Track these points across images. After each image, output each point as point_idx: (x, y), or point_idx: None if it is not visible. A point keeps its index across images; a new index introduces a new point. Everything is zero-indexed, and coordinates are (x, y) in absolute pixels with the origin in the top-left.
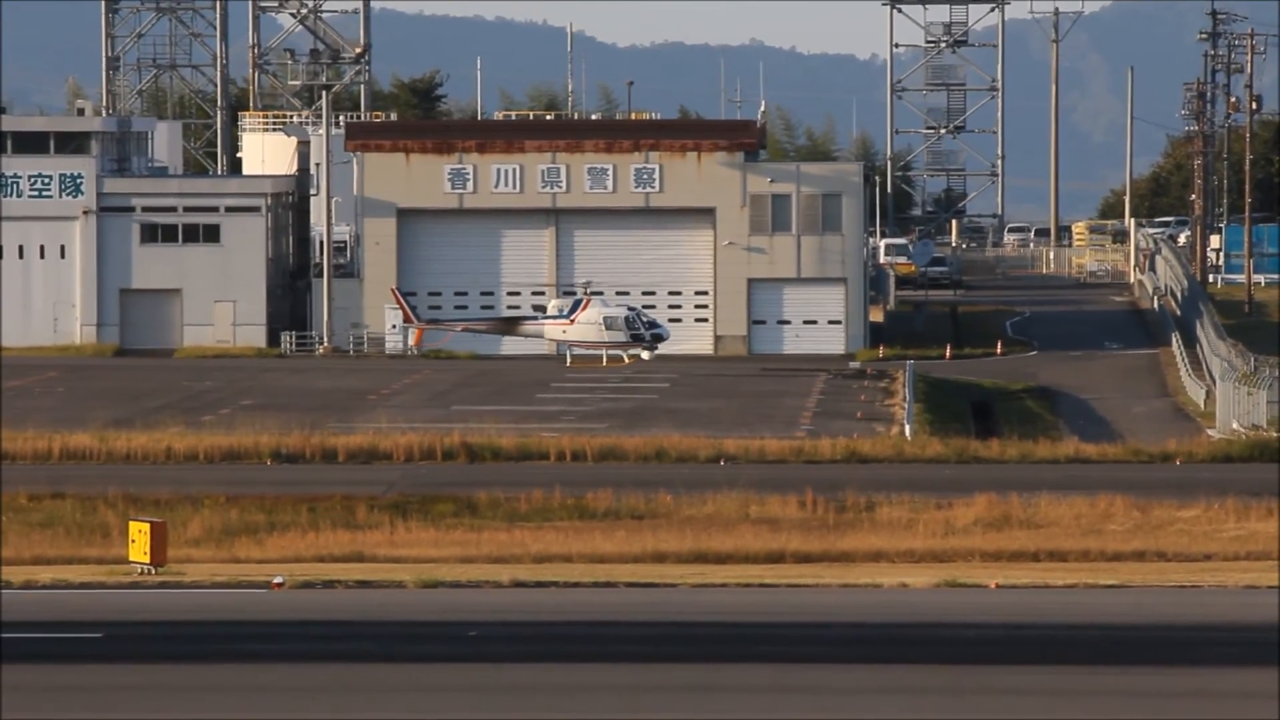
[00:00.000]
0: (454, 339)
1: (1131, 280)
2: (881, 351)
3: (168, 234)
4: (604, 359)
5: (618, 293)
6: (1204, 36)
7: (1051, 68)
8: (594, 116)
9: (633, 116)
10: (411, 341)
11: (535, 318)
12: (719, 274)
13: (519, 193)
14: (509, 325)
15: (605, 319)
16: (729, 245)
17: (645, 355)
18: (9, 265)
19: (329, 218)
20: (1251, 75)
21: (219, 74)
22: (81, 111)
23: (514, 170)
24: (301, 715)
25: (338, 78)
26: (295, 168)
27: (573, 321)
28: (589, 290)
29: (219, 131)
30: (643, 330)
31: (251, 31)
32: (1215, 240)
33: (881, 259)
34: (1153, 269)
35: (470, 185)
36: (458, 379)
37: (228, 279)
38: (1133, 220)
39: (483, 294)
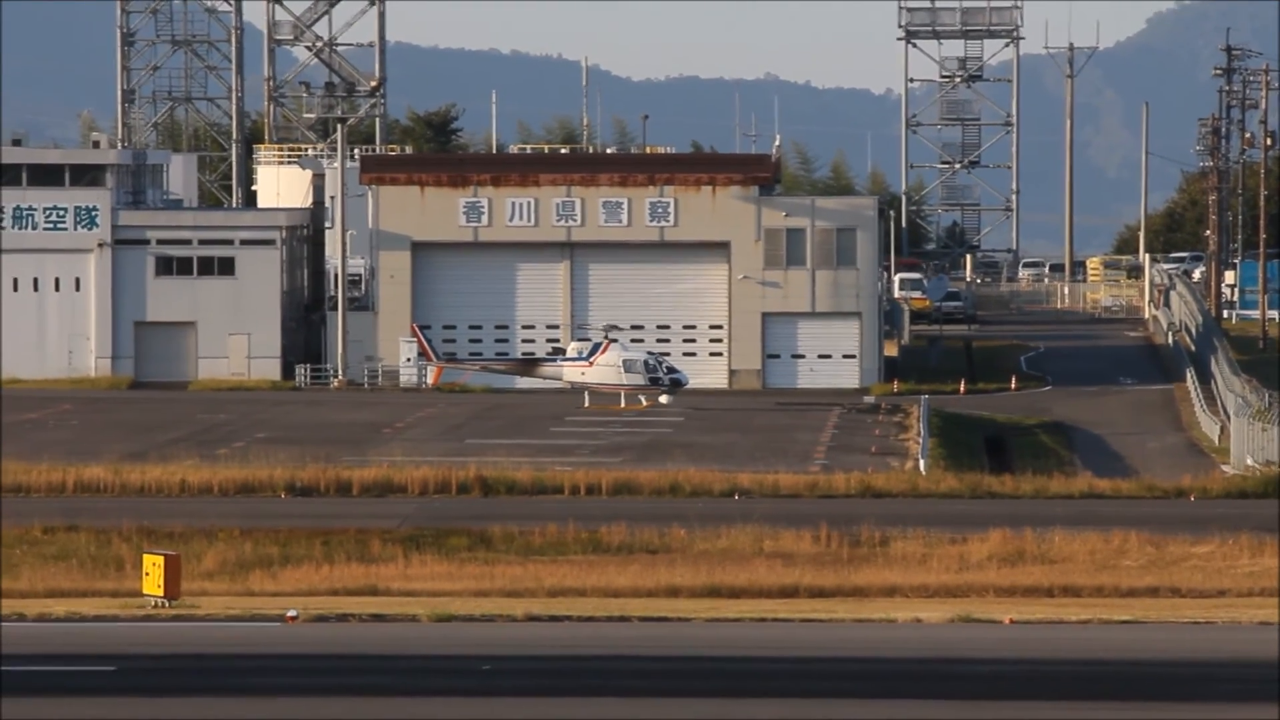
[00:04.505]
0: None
1: (1146, 315)
2: (896, 386)
3: (183, 266)
4: (622, 401)
5: (632, 326)
6: (1219, 72)
7: (1066, 103)
8: (609, 150)
9: (648, 150)
10: (430, 380)
11: (554, 359)
12: (733, 308)
13: (534, 226)
14: (527, 366)
15: (624, 362)
16: (743, 279)
17: (664, 399)
18: (24, 297)
19: (344, 251)
20: (1266, 111)
21: (234, 107)
22: (97, 144)
23: (529, 204)
24: None
25: (353, 111)
26: (310, 200)
27: (592, 364)
28: (609, 333)
29: (234, 164)
30: (662, 375)
31: (267, 64)
32: (1230, 276)
33: (896, 293)
34: (1167, 304)
35: (485, 219)
36: (472, 412)
37: (242, 312)
38: (1147, 255)
39: (497, 327)
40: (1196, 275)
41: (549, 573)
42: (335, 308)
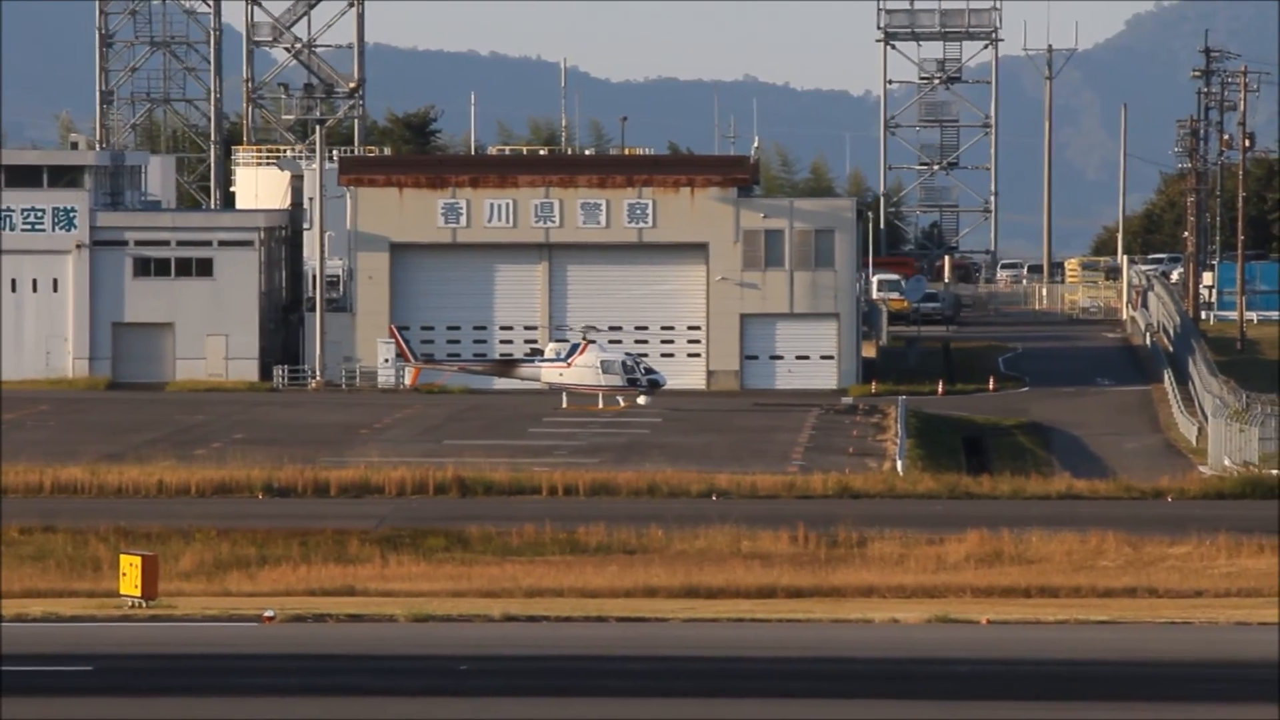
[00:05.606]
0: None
1: (1124, 317)
2: (874, 387)
3: (160, 268)
4: (600, 402)
5: (610, 327)
6: (1197, 74)
7: (1045, 104)
8: (588, 151)
9: (626, 152)
10: (408, 381)
11: (532, 360)
12: (712, 309)
13: (512, 227)
14: (505, 367)
15: (602, 363)
16: (722, 280)
17: (642, 400)
18: (2, 298)
19: (322, 252)
20: (1244, 113)
21: (213, 108)
22: (75, 145)
23: (507, 205)
24: None
25: (331, 112)
26: (288, 202)
27: (570, 365)
28: (587, 334)
29: (212, 165)
30: (640, 375)
31: (245, 66)
32: (1208, 277)
33: (874, 294)
34: (1145, 305)
35: (463, 220)
36: (450, 413)
37: (220, 313)
38: (1125, 257)
39: (475, 328)
40: (1174, 276)
41: (526, 573)
42: (313, 309)
